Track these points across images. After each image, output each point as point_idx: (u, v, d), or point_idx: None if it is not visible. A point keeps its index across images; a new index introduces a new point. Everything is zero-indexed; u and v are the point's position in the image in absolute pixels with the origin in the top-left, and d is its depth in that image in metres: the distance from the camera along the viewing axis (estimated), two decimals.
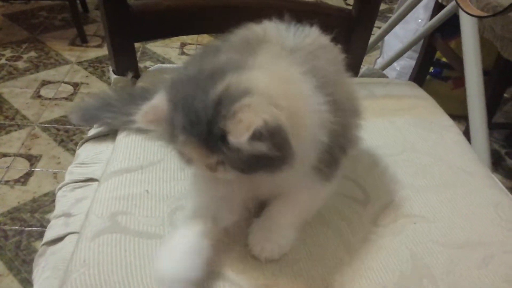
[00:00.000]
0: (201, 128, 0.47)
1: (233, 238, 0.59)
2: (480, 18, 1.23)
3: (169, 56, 2.19)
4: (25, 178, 1.44)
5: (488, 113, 1.27)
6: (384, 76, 1.07)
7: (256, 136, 0.44)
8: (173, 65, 0.78)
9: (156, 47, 2.23)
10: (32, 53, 2.08)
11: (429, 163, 0.77)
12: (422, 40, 1.75)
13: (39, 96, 1.81)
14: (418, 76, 1.83)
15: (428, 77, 1.91)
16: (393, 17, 1.59)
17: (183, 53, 2.23)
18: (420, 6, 1.75)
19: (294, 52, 0.58)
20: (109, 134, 0.79)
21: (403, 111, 0.90)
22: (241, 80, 0.48)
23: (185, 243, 0.54)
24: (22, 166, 1.49)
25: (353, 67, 1.01)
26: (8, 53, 2.06)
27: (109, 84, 0.91)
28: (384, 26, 1.65)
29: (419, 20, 1.94)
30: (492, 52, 1.45)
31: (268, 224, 0.59)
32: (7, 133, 1.61)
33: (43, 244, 0.64)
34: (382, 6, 2.82)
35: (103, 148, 0.77)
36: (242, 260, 0.58)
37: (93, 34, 2.26)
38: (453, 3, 1.36)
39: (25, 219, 1.28)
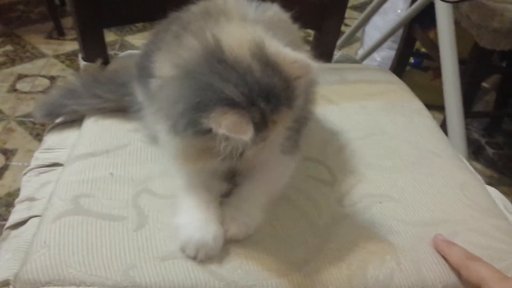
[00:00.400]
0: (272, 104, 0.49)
1: None
2: (453, 3, 1.24)
3: None
4: (0, 173, 1.42)
5: (466, 102, 1.28)
6: (358, 62, 1.08)
7: None
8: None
9: (135, 39, 2.21)
10: (8, 47, 2.05)
11: (397, 145, 0.77)
12: (402, 31, 1.75)
13: (15, 90, 1.78)
14: (398, 67, 1.84)
15: (408, 67, 1.92)
16: (370, 7, 1.60)
17: None
18: None
19: (254, 24, 0.58)
20: (77, 120, 0.78)
21: (374, 96, 0.90)
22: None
23: (201, 210, 0.56)
24: None
25: (326, 54, 1.02)
26: None
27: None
28: (361, 16, 1.65)
29: (399, 11, 1.95)
30: (470, 42, 1.46)
31: (236, 203, 0.59)
32: None
33: (6, 228, 0.63)
34: None
35: (70, 134, 0.76)
36: None
37: (70, 27, 2.23)
38: None
39: (0, 213, 1.27)
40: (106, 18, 0.86)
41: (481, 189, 0.72)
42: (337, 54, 1.05)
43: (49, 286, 0.52)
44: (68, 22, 2.26)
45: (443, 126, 1.19)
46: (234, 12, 0.59)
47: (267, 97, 0.48)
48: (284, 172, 0.63)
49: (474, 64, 1.49)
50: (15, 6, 2.38)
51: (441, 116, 1.45)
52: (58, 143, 0.75)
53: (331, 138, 0.78)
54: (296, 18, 0.67)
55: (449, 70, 1.22)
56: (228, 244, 0.57)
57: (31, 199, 0.66)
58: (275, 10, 0.63)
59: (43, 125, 1.62)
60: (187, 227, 0.55)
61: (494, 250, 0.61)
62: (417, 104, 0.91)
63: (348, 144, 0.77)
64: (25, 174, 0.71)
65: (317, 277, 0.55)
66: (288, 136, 0.56)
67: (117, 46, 2.13)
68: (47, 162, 0.71)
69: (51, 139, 0.76)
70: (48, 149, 0.74)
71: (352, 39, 1.97)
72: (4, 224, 0.63)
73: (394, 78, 1.00)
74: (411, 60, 1.92)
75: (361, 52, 2.13)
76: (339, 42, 1.67)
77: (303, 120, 0.59)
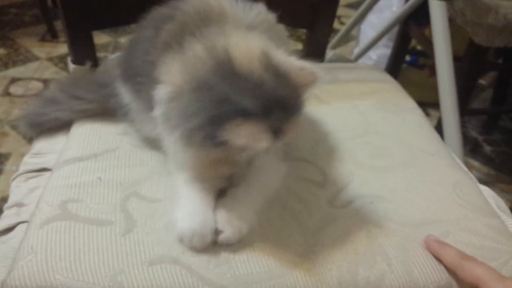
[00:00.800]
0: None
1: None
2: (447, 1, 1.24)
3: None
4: None
5: (463, 100, 1.28)
6: (350, 61, 1.07)
7: None
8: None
9: None
10: (1, 50, 2.04)
11: (389, 145, 0.77)
12: (397, 29, 1.75)
13: (8, 94, 1.77)
14: (394, 65, 1.83)
15: (404, 65, 1.92)
16: (364, 4, 1.59)
17: None
18: None
19: (251, 30, 0.59)
20: (65, 125, 0.77)
21: (366, 95, 0.90)
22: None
23: (195, 201, 0.58)
24: None
25: (318, 53, 1.01)
26: None
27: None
28: (356, 14, 1.64)
29: (394, 9, 1.94)
30: (465, 39, 1.46)
31: (232, 205, 0.59)
32: None
33: None
34: None
35: (58, 138, 0.75)
36: None
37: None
38: None
39: None
40: (95, 21, 0.86)
41: (474, 188, 0.71)
42: (329, 53, 1.05)
43: None
44: (61, 24, 2.25)
45: (440, 124, 1.18)
46: (231, 16, 0.59)
47: (282, 107, 0.50)
48: (278, 176, 0.64)
49: (469, 61, 1.49)
50: (8, 9, 2.37)
51: (437, 114, 1.44)
52: (47, 147, 0.74)
53: (323, 138, 0.78)
54: (288, 18, 0.66)
55: (444, 68, 1.22)
56: (218, 248, 0.56)
57: (20, 204, 0.65)
58: (263, 11, 0.63)
59: None
60: (186, 219, 0.56)
61: (486, 250, 0.61)
62: (410, 103, 0.90)
63: (340, 144, 0.77)
64: (14, 179, 0.71)
65: (307, 280, 0.55)
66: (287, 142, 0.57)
67: (110, 48, 2.12)
68: (35, 167, 0.71)
69: (40, 143, 0.76)
70: (37, 154, 0.73)
71: (348, 37, 1.96)
72: None
73: (386, 77, 0.99)
74: (407, 58, 1.91)
75: (357, 50, 2.12)
76: (334, 40, 1.67)
77: None
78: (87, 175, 0.65)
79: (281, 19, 0.67)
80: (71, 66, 0.86)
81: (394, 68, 1.82)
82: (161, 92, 0.53)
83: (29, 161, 0.72)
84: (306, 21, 0.97)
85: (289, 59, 0.53)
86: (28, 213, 0.63)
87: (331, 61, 1.05)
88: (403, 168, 0.72)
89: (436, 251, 0.59)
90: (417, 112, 0.88)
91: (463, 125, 1.22)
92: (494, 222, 0.66)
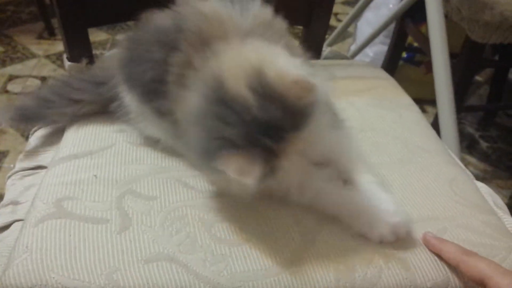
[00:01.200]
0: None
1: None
2: None
3: None
4: None
5: (459, 96, 1.28)
6: (346, 58, 1.07)
7: None
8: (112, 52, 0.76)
9: None
10: None
11: (385, 141, 0.77)
12: (394, 26, 1.74)
13: (6, 91, 1.77)
14: (391, 62, 1.83)
15: (400, 62, 1.91)
16: (360, 1, 1.59)
17: None
18: None
19: (248, 36, 0.58)
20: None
21: (362, 92, 0.90)
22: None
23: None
24: None
25: (315, 49, 1.01)
26: None
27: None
28: (352, 11, 1.64)
29: (390, 6, 1.94)
30: (462, 36, 1.46)
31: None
32: None
33: None
34: None
35: (54, 136, 0.75)
36: (191, 239, 0.57)
37: None
38: None
39: None
40: (91, 18, 0.85)
41: (470, 184, 0.71)
42: (325, 50, 1.05)
43: None
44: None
45: (437, 120, 1.18)
46: (230, 25, 0.59)
47: (267, 132, 0.49)
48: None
49: (466, 58, 1.49)
50: (5, 7, 2.36)
51: (434, 110, 1.44)
52: (43, 145, 0.74)
53: None
54: (284, 15, 0.66)
55: (440, 64, 1.21)
56: (214, 245, 0.56)
57: (15, 202, 0.65)
58: (260, 10, 0.62)
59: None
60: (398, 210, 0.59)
61: (483, 246, 0.61)
62: (406, 100, 0.90)
63: None
64: (9, 177, 0.70)
65: (304, 277, 0.55)
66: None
67: (108, 45, 2.12)
68: (31, 165, 0.70)
69: (36, 141, 0.75)
70: (32, 151, 0.73)
71: (345, 34, 1.96)
72: None
73: (382, 73, 0.99)
74: (404, 55, 1.91)
75: (353, 47, 2.12)
76: (331, 37, 1.66)
77: None
78: (83, 173, 0.64)
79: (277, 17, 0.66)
80: (67, 63, 0.86)
81: (391, 65, 1.82)
82: (181, 118, 0.56)
83: (25, 159, 0.72)
84: (302, 18, 0.97)
85: (284, 70, 0.50)
86: (23, 211, 0.63)
87: (327, 58, 1.05)
88: (399, 165, 0.72)
89: (436, 248, 0.59)
90: (414, 108, 0.88)
91: (459, 122, 1.22)
92: (491, 219, 0.65)
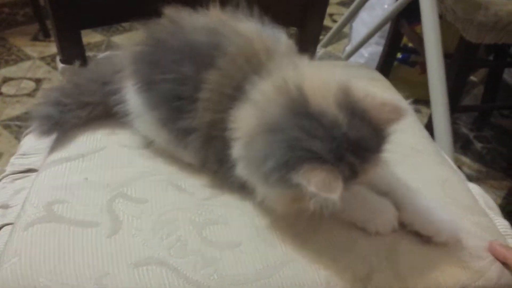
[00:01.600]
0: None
1: None
2: None
3: None
4: None
5: (453, 97, 1.28)
6: (340, 59, 1.07)
7: None
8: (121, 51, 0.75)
9: (122, 40, 2.19)
10: None
11: None
12: (389, 26, 1.75)
13: (0, 93, 1.76)
14: (386, 62, 1.83)
15: (395, 63, 1.92)
16: (355, 2, 1.59)
17: None
18: None
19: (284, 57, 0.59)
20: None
21: None
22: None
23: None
24: None
25: (309, 50, 1.00)
26: None
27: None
28: (347, 11, 1.64)
29: (385, 6, 1.94)
30: (456, 36, 1.46)
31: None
32: None
33: None
34: None
35: (46, 139, 0.74)
36: (181, 242, 0.57)
37: None
38: None
39: None
40: (84, 19, 0.85)
41: (462, 186, 0.71)
42: (319, 51, 1.04)
43: None
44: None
45: (431, 121, 1.18)
46: (275, 49, 0.59)
47: (355, 150, 0.49)
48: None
49: (460, 58, 1.49)
50: (0, 8, 2.35)
51: (429, 111, 1.44)
52: (34, 148, 0.74)
53: None
54: (278, 16, 0.66)
55: (434, 65, 1.22)
56: (204, 248, 0.56)
57: (5, 206, 0.65)
58: (285, 38, 0.63)
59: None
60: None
61: (474, 248, 0.61)
62: (400, 101, 0.90)
63: None
64: (0, 180, 0.70)
65: (295, 279, 0.55)
66: None
67: (103, 46, 2.11)
68: (22, 168, 0.70)
69: (27, 144, 0.75)
70: (24, 154, 0.73)
71: (340, 35, 1.95)
72: None
73: (376, 74, 0.99)
74: (399, 55, 1.91)
75: (348, 48, 2.12)
76: (326, 38, 1.66)
77: None
78: (74, 176, 0.64)
79: (271, 18, 0.66)
80: (60, 65, 0.86)
81: (386, 65, 1.82)
82: (237, 148, 0.54)
83: (16, 162, 0.72)
84: (296, 20, 0.97)
85: (371, 93, 0.51)
86: (13, 215, 0.62)
87: (321, 59, 1.05)
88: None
89: (503, 256, 0.59)
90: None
91: (454, 122, 1.22)
92: (483, 220, 0.65)
